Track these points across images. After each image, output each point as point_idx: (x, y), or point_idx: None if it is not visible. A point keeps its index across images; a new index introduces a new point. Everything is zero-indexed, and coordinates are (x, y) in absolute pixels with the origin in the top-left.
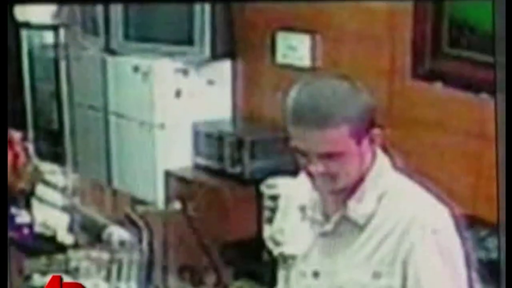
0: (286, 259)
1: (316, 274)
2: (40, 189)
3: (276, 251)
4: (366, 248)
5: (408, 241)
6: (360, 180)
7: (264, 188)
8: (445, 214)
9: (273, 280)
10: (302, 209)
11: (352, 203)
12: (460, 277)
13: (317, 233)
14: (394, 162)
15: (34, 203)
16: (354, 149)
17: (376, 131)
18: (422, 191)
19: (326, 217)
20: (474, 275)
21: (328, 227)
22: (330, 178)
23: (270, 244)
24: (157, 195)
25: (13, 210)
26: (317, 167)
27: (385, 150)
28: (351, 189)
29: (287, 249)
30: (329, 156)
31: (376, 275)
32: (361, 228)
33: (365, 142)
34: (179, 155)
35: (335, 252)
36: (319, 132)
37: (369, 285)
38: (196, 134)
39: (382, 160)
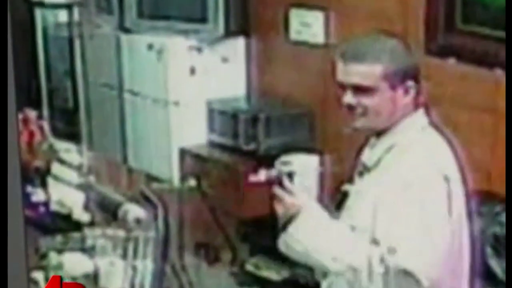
0: None
1: None
2: (56, 167)
3: None
4: (363, 191)
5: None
6: (388, 129)
7: (278, 165)
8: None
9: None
10: None
11: (366, 148)
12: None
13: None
14: (431, 118)
15: (50, 181)
16: (385, 90)
17: (410, 83)
18: (428, 160)
19: None
20: (489, 249)
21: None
22: (361, 113)
23: None
24: (172, 172)
25: (28, 188)
26: (349, 98)
27: (424, 105)
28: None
29: None
30: (360, 89)
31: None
32: (368, 170)
33: (400, 91)
34: (193, 132)
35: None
36: (354, 64)
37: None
38: (210, 111)
39: (416, 119)
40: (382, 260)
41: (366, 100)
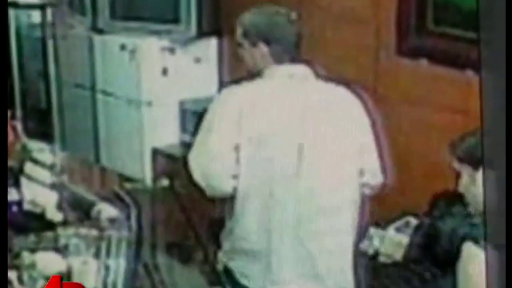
0: None
1: None
2: (29, 167)
3: None
4: None
5: None
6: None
7: None
8: None
9: None
10: None
11: None
12: None
13: None
14: (316, 71)
15: (23, 181)
16: (245, 46)
17: (262, 44)
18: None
19: None
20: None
21: None
22: (245, 63)
23: None
24: (144, 172)
25: None
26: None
27: (305, 61)
28: None
29: None
30: (238, 43)
31: None
32: None
33: (257, 48)
34: (166, 132)
35: None
36: None
37: None
38: (183, 111)
39: (278, 70)
40: None
41: (241, 51)
